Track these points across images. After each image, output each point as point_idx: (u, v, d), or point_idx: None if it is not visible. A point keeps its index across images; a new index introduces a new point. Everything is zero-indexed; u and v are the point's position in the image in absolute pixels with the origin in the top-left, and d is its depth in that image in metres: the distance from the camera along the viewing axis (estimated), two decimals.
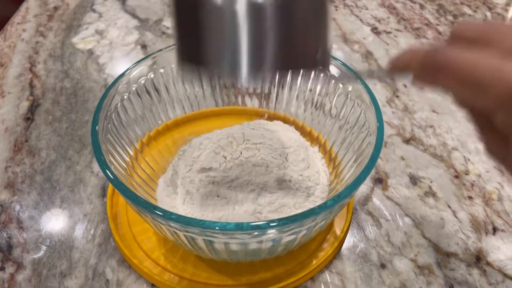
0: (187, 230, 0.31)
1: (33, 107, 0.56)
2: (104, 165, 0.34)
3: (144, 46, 0.65)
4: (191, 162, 0.43)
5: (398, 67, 0.28)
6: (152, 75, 0.45)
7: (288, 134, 0.47)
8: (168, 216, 0.31)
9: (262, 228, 0.30)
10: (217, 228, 0.30)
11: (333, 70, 0.45)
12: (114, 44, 0.65)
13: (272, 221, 0.30)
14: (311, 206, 0.40)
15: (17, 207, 0.45)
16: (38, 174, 0.48)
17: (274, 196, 0.40)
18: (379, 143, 0.36)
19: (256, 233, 0.31)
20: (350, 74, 0.43)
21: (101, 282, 0.40)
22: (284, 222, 0.31)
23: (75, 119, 0.54)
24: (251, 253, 0.36)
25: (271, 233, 0.31)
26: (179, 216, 0.31)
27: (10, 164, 0.49)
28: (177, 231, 0.32)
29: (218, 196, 0.40)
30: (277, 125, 0.49)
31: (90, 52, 0.64)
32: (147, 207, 0.31)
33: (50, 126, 0.53)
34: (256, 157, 0.41)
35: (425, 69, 0.25)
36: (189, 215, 0.39)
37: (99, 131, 0.37)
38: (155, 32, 0.68)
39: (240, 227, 0.30)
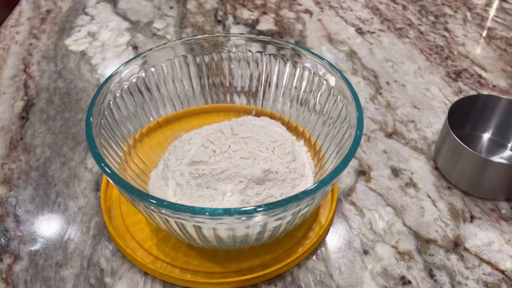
0: (178, 216, 0.33)
1: (28, 107, 0.57)
2: (97, 156, 0.36)
3: (135, 47, 0.67)
4: (182, 156, 0.44)
5: None
6: (143, 74, 0.47)
7: (274, 129, 0.49)
8: (160, 203, 0.33)
9: (249, 213, 0.32)
10: (206, 213, 0.32)
11: (318, 68, 0.47)
12: (106, 46, 0.67)
13: (259, 206, 0.32)
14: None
15: (14, 202, 0.47)
16: (34, 170, 0.50)
17: (262, 187, 0.42)
18: (359, 134, 0.38)
19: (243, 218, 0.33)
20: (333, 70, 0.45)
21: (96, 271, 0.42)
22: (270, 207, 0.33)
23: (69, 117, 0.56)
24: (239, 240, 0.37)
25: (258, 217, 0.33)
26: (170, 203, 0.33)
27: (6, 161, 0.51)
28: (168, 218, 0.34)
29: (207, 188, 0.42)
30: (264, 120, 0.51)
31: (83, 53, 0.66)
32: (140, 195, 0.33)
33: (45, 124, 0.55)
34: (243, 150, 0.43)
35: None
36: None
37: (93, 125, 0.38)
38: (146, 34, 0.70)
39: (228, 212, 0.32)
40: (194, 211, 0.32)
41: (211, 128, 0.48)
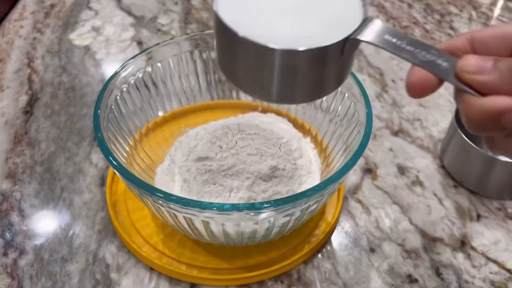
0: (186, 211, 0.33)
1: (32, 101, 0.57)
2: (105, 150, 0.35)
3: (140, 43, 0.67)
4: (188, 152, 0.44)
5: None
6: (149, 69, 0.47)
7: (281, 126, 0.49)
8: (168, 197, 0.32)
9: (257, 208, 0.32)
10: (214, 208, 0.32)
11: None
12: (110, 41, 0.67)
13: (267, 202, 0.32)
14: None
15: (18, 196, 0.47)
16: (38, 165, 0.50)
17: (268, 184, 0.42)
18: (368, 131, 0.38)
19: (252, 213, 0.33)
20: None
21: (102, 267, 0.41)
22: (278, 203, 0.32)
23: (73, 112, 0.56)
24: (246, 236, 0.37)
25: (266, 213, 0.33)
26: (179, 197, 0.32)
27: (10, 155, 0.50)
28: (176, 213, 0.34)
29: (214, 184, 0.42)
30: (270, 117, 0.50)
31: (87, 48, 0.65)
32: (149, 189, 0.33)
33: (49, 119, 0.55)
34: (250, 147, 0.43)
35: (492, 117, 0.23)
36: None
37: (100, 119, 0.38)
38: (150, 29, 0.69)
39: (236, 207, 0.32)
40: (203, 206, 0.32)
41: (218, 124, 0.48)
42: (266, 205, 0.32)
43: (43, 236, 0.43)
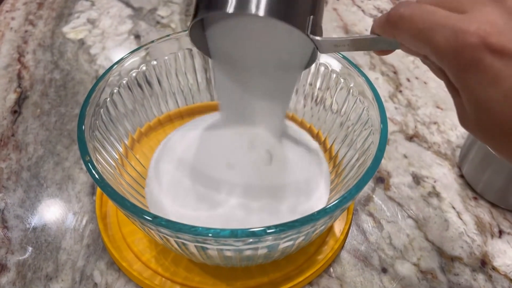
0: (178, 236, 0.29)
1: (21, 100, 0.53)
2: (90, 165, 0.32)
3: (137, 36, 0.63)
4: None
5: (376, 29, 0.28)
6: (144, 67, 0.43)
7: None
8: (158, 222, 0.29)
9: (258, 235, 0.28)
10: (210, 235, 0.28)
11: (334, 63, 0.43)
12: (106, 34, 0.63)
13: (269, 227, 0.28)
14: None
15: (2, 205, 0.43)
16: (25, 171, 0.46)
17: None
18: (383, 143, 0.34)
19: (251, 240, 0.29)
20: (351, 67, 0.41)
21: (89, 286, 0.38)
22: (282, 229, 0.29)
23: (64, 112, 0.52)
24: (246, 259, 0.34)
25: (268, 240, 0.30)
26: (169, 221, 0.29)
27: None
28: (168, 237, 0.30)
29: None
30: None
31: (81, 42, 0.62)
32: (135, 212, 0.29)
33: (38, 120, 0.51)
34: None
35: (388, 20, 0.26)
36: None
37: (86, 128, 0.34)
38: (149, 22, 0.65)
39: (234, 234, 0.28)
40: (196, 232, 0.28)
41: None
42: (268, 231, 0.28)
43: (27, 251, 0.40)
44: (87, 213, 0.43)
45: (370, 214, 0.44)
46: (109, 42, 0.62)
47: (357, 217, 0.43)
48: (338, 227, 0.42)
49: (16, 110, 0.52)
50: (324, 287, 0.39)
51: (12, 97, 0.54)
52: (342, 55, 0.42)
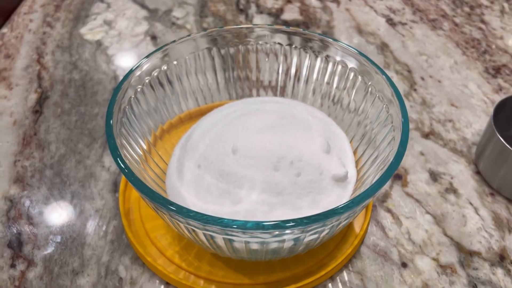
0: (207, 228, 0.30)
1: (42, 100, 0.54)
2: (121, 161, 0.32)
3: (153, 37, 0.64)
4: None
5: None
6: (165, 67, 0.44)
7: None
8: (186, 213, 0.29)
9: (282, 227, 0.29)
10: (235, 226, 0.29)
11: (352, 61, 0.43)
12: (123, 35, 0.64)
13: (293, 220, 0.29)
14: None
15: (27, 202, 0.44)
16: (48, 169, 0.47)
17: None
18: (405, 139, 0.35)
19: (276, 232, 0.30)
20: (369, 65, 0.41)
21: (114, 280, 0.39)
22: (306, 222, 0.29)
23: (84, 112, 0.53)
24: (271, 252, 0.34)
25: (292, 232, 0.30)
26: (198, 213, 0.29)
27: (19, 158, 0.48)
28: (196, 229, 0.31)
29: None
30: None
31: (99, 43, 0.63)
32: (164, 204, 0.30)
33: (59, 119, 0.52)
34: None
35: None
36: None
37: (113, 125, 0.35)
38: (164, 23, 0.66)
39: (260, 226, 0.29)
40: (223, 223, 0.29)
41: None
42: (291, 224, 0.29)
43: (52, 246, 0.41)
44: (110, 210, 0.44)
45: (389, 211, 0.44)
46: (126, 43, 0.63)
47: (376, 214, 0.44)
48: (358, 223, 0.42)
49: (38, 110, 0.53)
50: (344, 281, 0.39)
51: (33, 97, 0.55)
52: (358, 51, 0.42)
